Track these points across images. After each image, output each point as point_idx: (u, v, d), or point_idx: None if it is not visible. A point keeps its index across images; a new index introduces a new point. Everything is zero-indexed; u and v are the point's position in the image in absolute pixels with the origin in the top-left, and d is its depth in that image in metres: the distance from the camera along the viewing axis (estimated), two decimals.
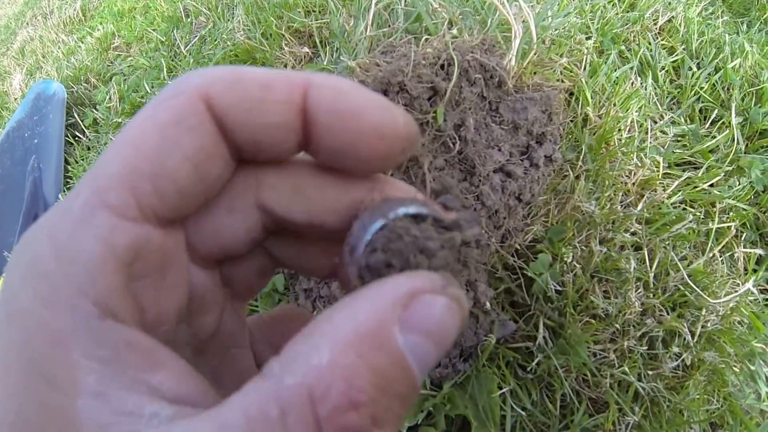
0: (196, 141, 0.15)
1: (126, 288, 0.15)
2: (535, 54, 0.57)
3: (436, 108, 0.50)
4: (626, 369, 0.54)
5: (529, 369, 0.53)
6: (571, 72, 0.68)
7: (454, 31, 0.56)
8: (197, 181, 0.16)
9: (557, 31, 0.68)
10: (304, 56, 0.85)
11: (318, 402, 0.12)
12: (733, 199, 0.75)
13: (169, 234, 0.16)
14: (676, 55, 0.89)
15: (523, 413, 0.54)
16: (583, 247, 0.59)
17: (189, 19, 1.27)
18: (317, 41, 0.83)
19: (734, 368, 0.63)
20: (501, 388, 0.54)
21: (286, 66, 0.86)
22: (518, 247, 0.60)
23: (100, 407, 0.13)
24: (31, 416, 0.13)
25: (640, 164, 0.70)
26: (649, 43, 0.88)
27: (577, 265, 0.56)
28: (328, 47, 0.77)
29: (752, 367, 0.64)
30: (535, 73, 0.59)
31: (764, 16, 1.03)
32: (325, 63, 0.69)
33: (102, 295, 0.14)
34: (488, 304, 0.56)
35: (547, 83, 0.59)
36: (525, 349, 0.56)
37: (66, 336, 0.13)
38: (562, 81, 0.64)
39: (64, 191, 1.23)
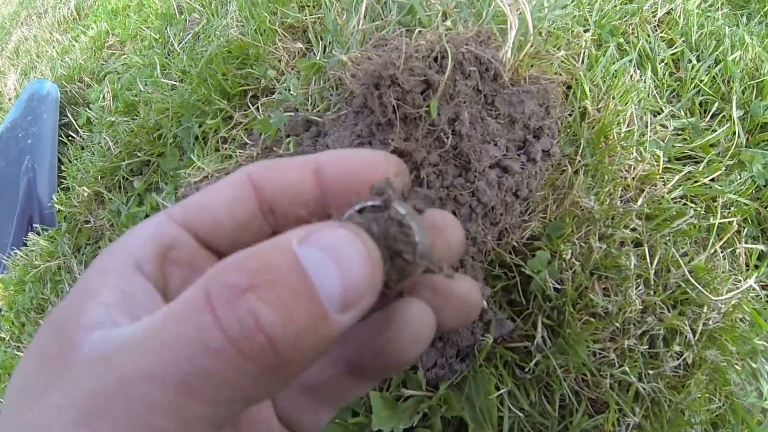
0: (233, 192, 0.22)
1: (160, 261, 0.21)
2: (531, 46, 0.55)
3: (430, 102, 0.48)
4: (627, 369, 0.52)
5: (527, 369, 0.51)
6: (568, 65, 0.66)
7: (448, 23, 0.54)
8: (228, 217, 0.22)
9: (555, 23, 0.66)
10: (298, 52, 0.83)
11: (222, 285, 0.15)
12: (734, 194, 0.73)
13: (202, 249, 0.22)
14: (676, 48, 0.87)
15: (521, 414, 0.52)
16: (582, 244, 0.57)
17: (183, 16, 1.25)
18: (311, 37, 0.82)
19: (736, 366, 0.62)
20: (498, 389, 0.53)
21: (279, 61, 0.85)
22: (515, 245, 0.58)
23: (102, 322, 0.18)
24: (40, 339, 0.18)
25: (639, 158, 0.69)
26: (648, 36, 0.86)
27: (576, 263, 0.55)
28: (321, 42, 0.76)
29: (754, 365, 0.63)
30: (531, 65, 0.58)
31: (764, 9, 1.01)
32: (318, 58, 0.68)
33: (140, 257, 0.20)
34: (485, 303, 0.54)
35: (545, 76, 0.58)
36: (523, 348, 0.54)
37: (106, 271, 0.20)
38: (560, 74, 0.62)
39: (58, 192, 1.21)
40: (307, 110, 0.65)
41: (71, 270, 1.07)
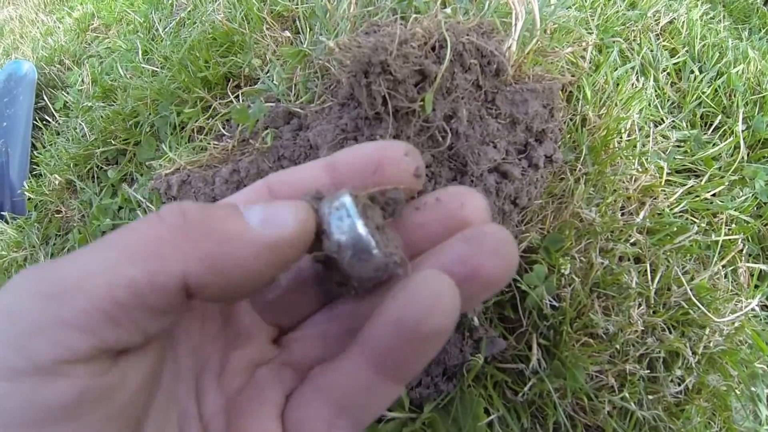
0: (251, 192, 0.24)
1: None
2: (537, 41, 0.50)
3: (424, 95, 0.43)
4: (627, 395, 0.47)
5: (521, 393, 0.46)
6: (574, 63, 0.61)
7: (448, 11, 0.48)
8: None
9: (560, 22, 0.61)
10: (285, 41, 0.76)
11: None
12: (735, 211, 0.69)
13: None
14: (678, 57, 0.83)
15: None
16: (582, 258, 0.52)
17: (170, 1, 1.18)
18: (300, 26, 0.75)
19: (736, 391, 0.57)
20: (488, 412, 0.47)
21: (266, 50, 0.78)
22: None
23: None
24: None
25: (641, 169, 0.64)
26: (651, 43, 0.82)
27: (576, 278, 0.50)
28: (309, 31, 0.69)
29: (753, 389, 0.59)
30: (536, 63, 0.52)
31: (766, 26, 0.97)
32: (305, 45, 0.61)
33: None
34: (475, 319, 0.49)
35: (549, 75, 0.52)
36: (515, 370, 0.49)
37: None
38: (564, 74, 0.57)
39: (30, 179, 1.13)
40: (290, 101, 0.59)
41: (38, 262, 0.99)
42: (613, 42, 0.75)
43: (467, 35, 0.45)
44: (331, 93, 0.55)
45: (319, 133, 0.48)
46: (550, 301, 0.49)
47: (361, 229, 0.20)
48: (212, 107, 0.74)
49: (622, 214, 0.61)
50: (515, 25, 0.46)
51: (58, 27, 1.54)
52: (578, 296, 0.49)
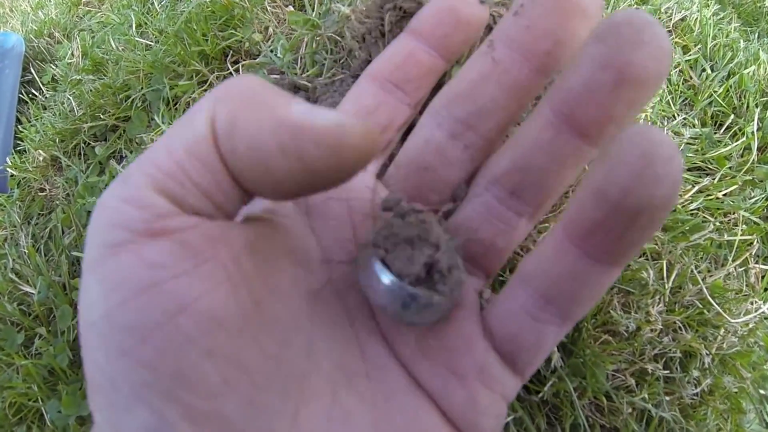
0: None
1: None
2: None
3: None
4: (646, 396, 0.44)
5: (540, 393, 0.42)
6: None
7: None
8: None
9: None
10: (289, 15, 0.71)
11: None
12: (747, 212, 0.66)
13: None
14: (690, 55, 0.80)
15: None
16: None
17: None
18: (306, 3, 0.70)
19: (749, 393, 0.54)
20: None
21: (268, 26, 0.73)
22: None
23: None
24: None
25: None
26: None
27: None
28: (319, 5, 0.64)
29: (762, 392, 0.56)
30: None
31: None
32: (313, 15, 0.56)
33: None
34: None
35: None
36: None
37: None
38: None
39: (13, 155, 1.06)
40: (296, 74, 0.54)
41: (18, 243, 0.92)
42: None
43: None
44: (342, 66, 0.50)
45: (330, 105, 0.44)
46: None
47: (393, 294, 0.18)
48: (209, 81, 0.68)
49: None
50: None
51: (49, 1, 1.45)
52: None
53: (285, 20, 0.74)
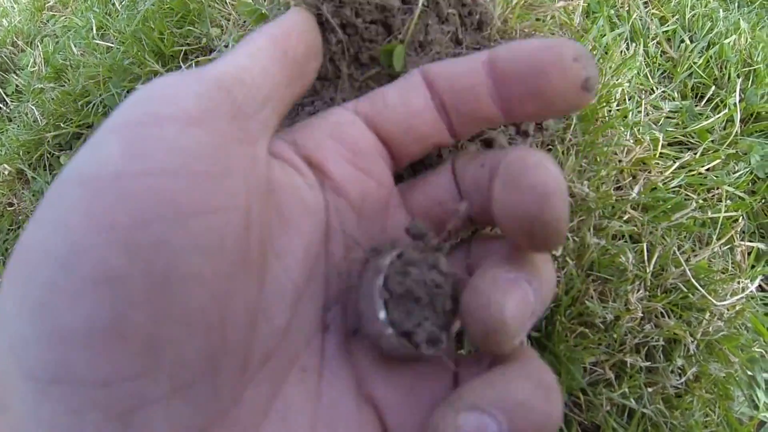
0: (405, 82, 0.25)
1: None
2: None
3: (392, 46, 0.35)
4: (627, 390, 0.41)
5: None
6: (564, 26, 0.54)
7: None
8: (401, 103, 0.24)
9: None
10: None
11: None
12: (731, 187, 0.63)
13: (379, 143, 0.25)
14: (668, 26, 0.76)
15: None
16: (575, 238, 0.45)
17: None
18: None
19: (737, 379, 0.52)
20: None
21: (227, 19, 0.69)
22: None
23: None
24: None
25: (635, 141, 0.57)
26: (639, 9, 0.75)
27: (569, 261, 0.43)
28: None
29: (750, 373, 0.53)
30: (524, 19, 0.45)
31: None
32: (265, 5, 0.53)
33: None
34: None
35: (538, 34, 0.45)
36: None
37: None
38: (554, 34, 0.49)
39: None
40: None
41: None
42: (599, 3, 0.68)
43: None
44: None
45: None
46: None
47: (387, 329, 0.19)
48: None
49: (615, 189, 0.55)
50: None
51: (13, 8, 1.40)
52: (572, 281, 0.43)
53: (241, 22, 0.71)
